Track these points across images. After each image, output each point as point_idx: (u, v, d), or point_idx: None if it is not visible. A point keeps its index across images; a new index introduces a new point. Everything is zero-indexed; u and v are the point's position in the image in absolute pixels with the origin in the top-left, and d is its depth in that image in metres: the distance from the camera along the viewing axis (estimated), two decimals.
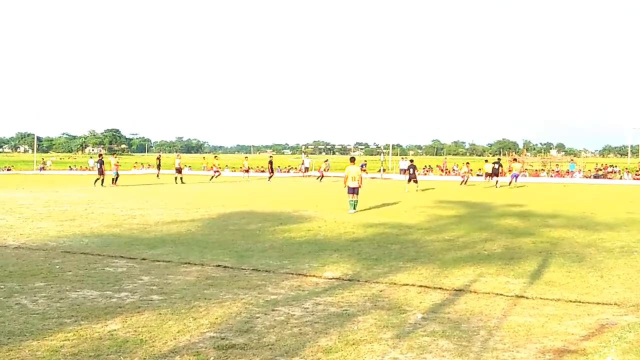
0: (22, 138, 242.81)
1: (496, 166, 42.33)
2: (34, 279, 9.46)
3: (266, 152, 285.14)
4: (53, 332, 6.71)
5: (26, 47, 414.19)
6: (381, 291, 8.96)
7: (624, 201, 27.85)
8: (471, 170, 48.00)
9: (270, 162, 46.87)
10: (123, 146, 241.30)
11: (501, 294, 8.85)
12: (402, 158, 65.63)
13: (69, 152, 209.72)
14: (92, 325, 6.97)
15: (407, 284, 9.43)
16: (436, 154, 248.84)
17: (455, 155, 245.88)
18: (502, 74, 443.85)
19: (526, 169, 56.74)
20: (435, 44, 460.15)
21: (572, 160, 62.64)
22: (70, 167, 74.16)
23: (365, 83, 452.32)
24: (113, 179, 37.54)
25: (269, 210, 20.94)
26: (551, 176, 56.37)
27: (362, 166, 60.39)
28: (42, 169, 67.33)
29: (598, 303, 8.40)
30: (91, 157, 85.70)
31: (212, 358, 5.94)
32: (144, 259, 11.36)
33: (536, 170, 59.27)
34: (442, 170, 62.39)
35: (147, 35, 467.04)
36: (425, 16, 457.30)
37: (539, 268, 10.89)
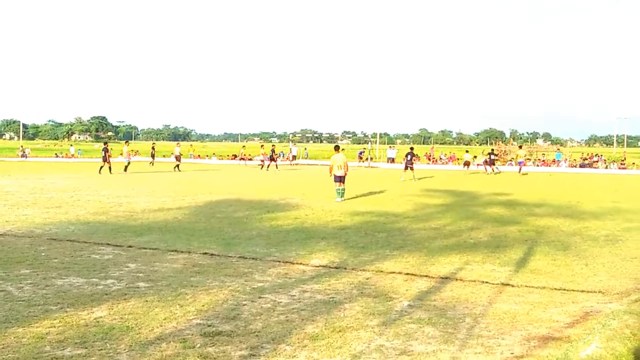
0: (7, 125, 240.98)
1: (492, 156, 43.22)
2: (20, 266, 9.41)
3: (254, 140, 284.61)
4: (39, 319, 6.68)
5: (12, 34, 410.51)
6: (368, 279, 8.99)
7: (609, 190, 28.05)
8: (475, 157, 49.18)
9: (273, 151, 46.99)
10: (110, 134, 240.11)
11: (487, 282, 8.90)
12: (390, 147, 65.69)
13: (55, 139, 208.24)
14: (78, 312, 6.95)
15: (393, 272, 9.46)
16: (423, 143, 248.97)
17: (443, 144, 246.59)
18: (489, 64, 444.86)
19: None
20: (424, 34, 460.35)
21: (558, 149, 62.93)
22: (56, 154, 73.61)
23: (353, 72, 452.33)
24: (125, 167, 37.97)
25: (256, 198, 20.92)
26: (537, 165, 56.63)
27: (360, 154, 60.48)
28: (22, 156, 66.73)
29: (583, 291, 8.46)
30: (72, 145, 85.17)
31: (198, 345, 5.94)
32: (130, 247, 11.32)
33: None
34: (429, 159, 62.49)
35: (134, 22, 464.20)
36: (414, 5, 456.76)
37: (524, 256, 10.95)
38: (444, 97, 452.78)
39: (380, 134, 74.29)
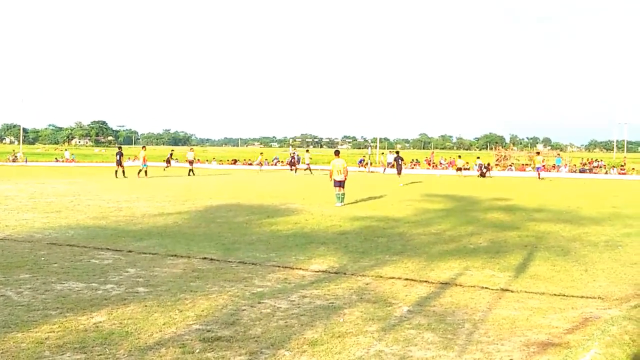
0: (7, 129, 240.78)
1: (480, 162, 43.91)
2: (19, 270, 9.41)
3: (254, 145, 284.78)
4: (38, 323, 6.68)
5: (13, 38, 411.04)
6: (367, 284, 8.99)
7: (609, 196, 28.04)
8: (467, 162, 50.34)
9: (292, 157, 51.16)
10: (110, 138, 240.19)
11: (486, 287, 8.90)
12: (390, 152, 65.65)
13: (55, 143, 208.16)
14: (77, 317, 6.95)
15: (393, 277, 9.46)
16: (423, 148, 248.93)
17: (443, 149, 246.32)
18: (489, 69, 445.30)
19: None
20: (424, 38, 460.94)
21: (558, 154, 62.91)
22: (56, 158, 73.54)
23: (354, 77, 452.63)
24: (140, 171, 38.36)
25: (256, 203, 20.92)
26: (535, 170, 56.48)
27: (360, 162, 60.51)
28: (14, 160, 66.60)
29: (582, 297, 8.46)
30: (66, 150, 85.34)
31: (197, 350, 5.94)
32: (130, 251, 11.32)
33: (522, 164, 59.36)
34: (429, 164, 62.41)
35: (135, 27, 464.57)
36: (414, 10, 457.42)
37: (524, 262, 10.95)
38: (444, 102, 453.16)
39: (380, 138, 74.29)
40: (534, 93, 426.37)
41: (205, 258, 10.79)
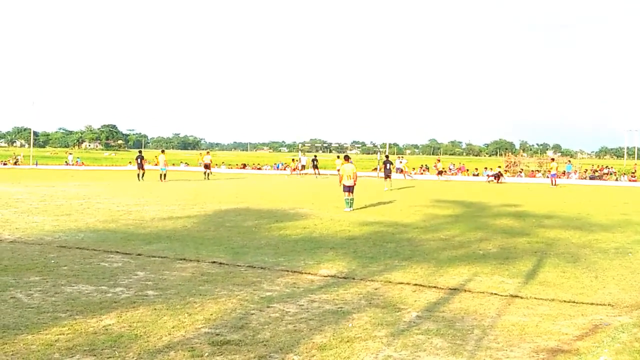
0: (18, 132, 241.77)
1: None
2: (29, 273, 9.46)
3: (263, 149, 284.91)
4: (48, 326, 6.71)
5: (24, 42, 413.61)
6: (376, 289, 8.98)
7: (619, 203, 27.89)
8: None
9: (314, 161, 54.00)
10: (120, 142, 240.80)
11: (496, 294, 8.88)
12: (399, 157, 65.62)
13: (66, 147, 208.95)
14: (87, 320, 6.98)
15: (402, 283, 9.45)
16: (433, 154, 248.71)
17: (452, 154, 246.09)
18: (499, 75, 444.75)
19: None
20: (433, 44, 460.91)
21: (568, 161, 62.61)
22: (66, 162, 73.88)
23: (363, 82, 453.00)
24: (161, 175, 38.59)
25: (265, 208, 20.94)
26: (547, 177, 56.35)
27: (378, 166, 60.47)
28: (16, 163, 66.79)
29: (592, 303, 8.42)
30: (70, 153, 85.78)
31: (206, 354, 5.95)
32: (139, 255, 11.36)
33: (532, 170, 59.19)
34: (438, 171, 62.19)
35: (145, 31, 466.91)
36: (424, 16, 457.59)
37: (533, 268, 10.91)
38: (454, 107, 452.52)
39: (390, 144, 74.19)
40: (545, 99, 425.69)
41: (214, 262, 10.81)
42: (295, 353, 6.03)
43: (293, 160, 61.34)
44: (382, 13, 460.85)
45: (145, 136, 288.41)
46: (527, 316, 7.66)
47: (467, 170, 60.66)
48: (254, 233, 14.60)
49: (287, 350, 6.09)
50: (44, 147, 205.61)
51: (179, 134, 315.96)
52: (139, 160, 39.99)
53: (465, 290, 9.04)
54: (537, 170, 58.77)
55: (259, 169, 65.03)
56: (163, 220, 16.63)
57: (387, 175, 34.77)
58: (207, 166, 45.11)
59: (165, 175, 38.40)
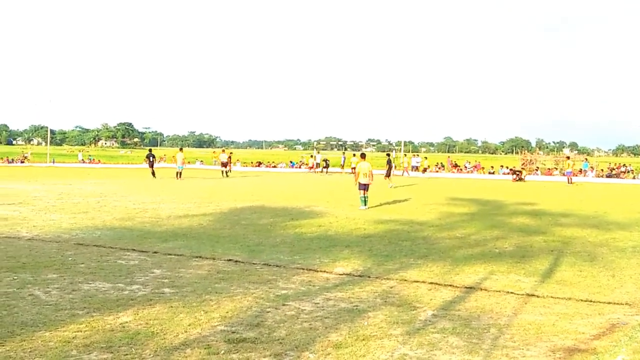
0: (35, 131, 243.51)
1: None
2: (47, 270, 9.54)
3: (278, 147, 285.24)
4: (65, 323, 6.76)
5: (40, 40, 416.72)
6: (392, 287, 8.97)
7: (636, 201, 27.70)
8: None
9: (326, 161, 56.29)
10: (136, 140, 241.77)
11: (512, 292, 8.84)
12: (414, 155, 65.47)
13: (82, 145, 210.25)
14: (104, 317, 7.03)
15: (417, 281, 9.43)
16: (448, 152, 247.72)
17: (467, 152, 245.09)
18: (515, 72, 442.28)
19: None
20: (449, 41, 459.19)
21: (585, 159, 62.15)
22: (83, 160, 74.46)
23: (378, 79, 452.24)
24: (177, 173, 38.87)
25: (281, 206, 20.97)
26: (563, 174, 55.98)
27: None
28: (22, 161, 67.25)
29: (609, 302, 8.37)
30: (80, 152, 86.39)
31: (222, 351, 5.97)
32: (155, 252, 11.41)
33: (548, 168, 58.82)
34: (454, 167, 62.02)
35: (160, 29, 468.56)
36: (439, 13, 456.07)
37: (550, 267, 10.86)
38: (470, 105, 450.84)
39: (405, 142, 74.03)
40: (561, 97, 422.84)
41: (229, 260, 10.84)
42: (311, 351, 6.04)
43: (304, 157, 61.61)
44: (398, 10, 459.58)
45: (161, 134, 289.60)
46: (543, 315, 7.62)
47: (483, 168, 60.39)
48: (270, 231, 14.62)
49: (303, 348, 6.10)
50: (61, 145, 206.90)
51: (194, 131, 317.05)
52: (150, 158, 40.80)
53: (481, 289, 9.01)
54: (555, 168, 58.40)
55: (274, 166, 65.11)
56: (179, 218, 16.70)
57: (388, 174, 35.17)
58: (224, 164, 45.42)
59: (180, 173, 38.55)
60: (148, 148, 50.23)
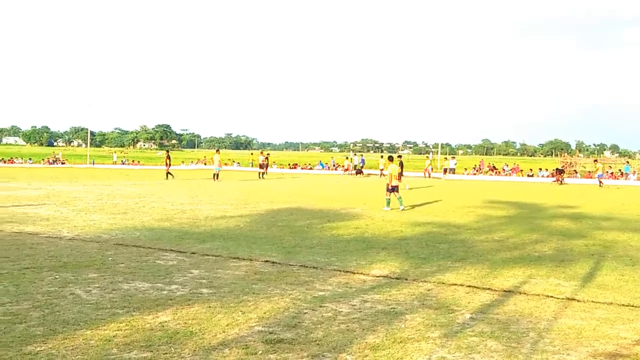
0: (75, 132, 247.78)
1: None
2: (88, 269, 9.69)
3: (314, 149, 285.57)
4: (106, 322, 6.86)
5: (81, 45, 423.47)
6: (429, 290, 8.92)
7: None
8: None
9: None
10: (173, 141, 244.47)
11: (551, 296, 8.72)
12: (452, 157, 64.99)
13: (121, 146, 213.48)
14: (143, 316, 7.11)
15: (455, 284, 9.37)
16: (486, 154, 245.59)
17: (506, 155, 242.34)
18: (555, 74, 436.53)
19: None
20: (488, 43, 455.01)
21: (627, 162, 61.01)
22: (122, 161, 75.48)
23: (417, 81, 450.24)
24: (214, 175, 39.39)
25: (317, 207, 21.00)
26: (604, 178, 55.07)
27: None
28: (54, 162, 68.22)
29: None
30: (115, 153, 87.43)
31: (260, 352, 6.00)
32: (193, 253, 11.52)
33: (588, 171, 57.90)
34: (492, 170, 61.41)
35: (198, 32, 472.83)
36: (478, 14, 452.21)
37: (590, 271, 10.69)
38: (508, 107, 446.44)
39: (442, 144, 73.60)
40: (602, 98, 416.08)
41: (267, 261, 10.88)
42: (348, 353, 6.04)
43: (333, 158, 61.61)
44: (443, 10, 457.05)
45: (199, 136, 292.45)
46: (584, 320, 7.50)
47: (521, 170, 59.66)
48: (306, 233, 14.65)
49: (340, 350, 6.10)
50: (100, 146, 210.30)
51: (231, 133, 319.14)
52: (168, 159, 41.93)
53: (520, 293, 8.91)
54: (596, 171, 57.48)
55: (311, 168, 65.21)
56: (216, 219, 16.82)
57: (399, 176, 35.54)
58: (262, 166, 45.75)
59: (218, 174, 38.86)
60: (166, 149, 51.36)
